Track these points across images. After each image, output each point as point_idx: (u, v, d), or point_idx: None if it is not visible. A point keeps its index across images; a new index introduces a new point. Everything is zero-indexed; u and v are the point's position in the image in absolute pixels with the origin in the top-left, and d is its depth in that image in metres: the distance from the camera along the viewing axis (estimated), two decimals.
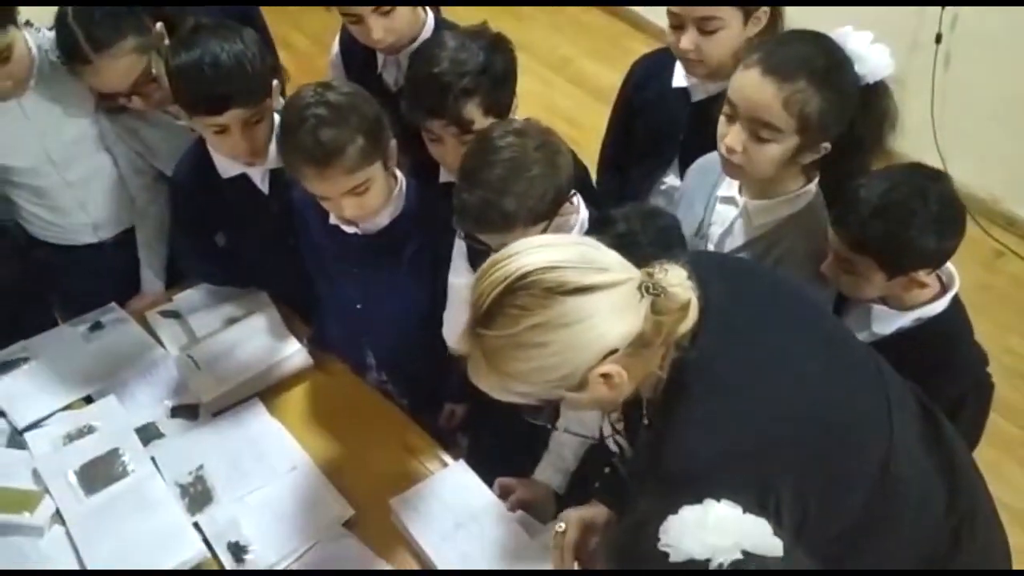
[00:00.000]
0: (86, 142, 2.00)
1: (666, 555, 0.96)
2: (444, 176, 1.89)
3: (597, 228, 1.56)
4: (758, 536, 0.97)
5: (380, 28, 1.88)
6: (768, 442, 1.17)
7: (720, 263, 1.21)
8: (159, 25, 1.85)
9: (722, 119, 1.58)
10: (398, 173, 1.75)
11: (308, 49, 4.19)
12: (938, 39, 3.28)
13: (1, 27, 1.72)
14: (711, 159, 1.70)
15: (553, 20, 4.52)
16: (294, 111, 1.59)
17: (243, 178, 1.89)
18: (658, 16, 4.17)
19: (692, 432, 1.18)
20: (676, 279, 1.16)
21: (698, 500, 1.02)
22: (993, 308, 2.94)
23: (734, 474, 1.12)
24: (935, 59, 3.31)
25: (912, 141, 3.61)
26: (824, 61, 1.52)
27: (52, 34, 1.86)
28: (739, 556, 0.94)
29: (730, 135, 1.54)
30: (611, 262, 1.15)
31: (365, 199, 1.64)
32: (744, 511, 1.00)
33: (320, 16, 4.43)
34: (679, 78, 1.93)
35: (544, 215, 1.52)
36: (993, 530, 1.47)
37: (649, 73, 2.04)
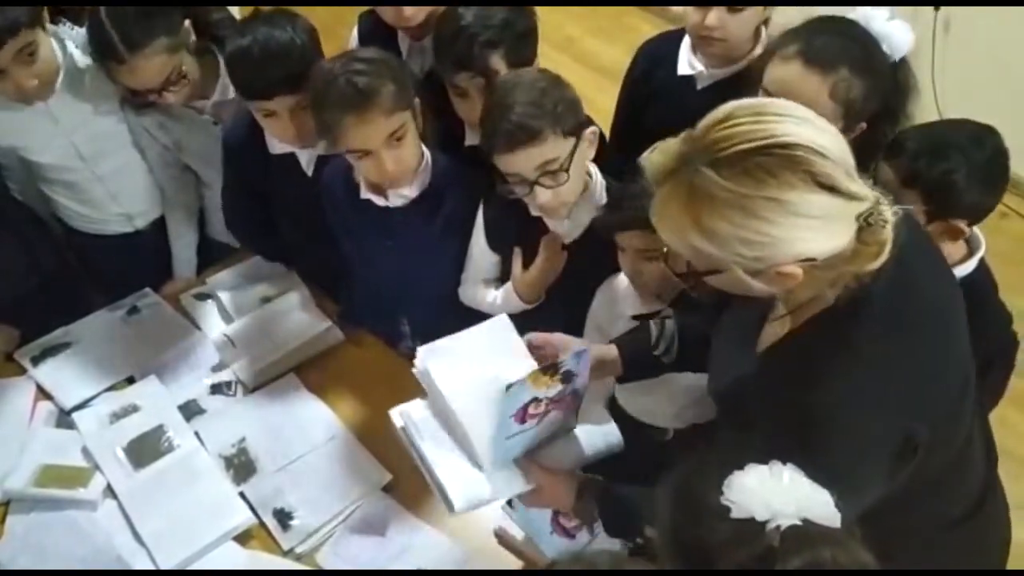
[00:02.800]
0: (114, 138, 2.06)
1: (727, 508, 0.95)
2: (470, 139, 1.97)
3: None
4: (820, 505, 0.95)
5: (411, 8, 1.96)
6: (917, 394, 1.17)
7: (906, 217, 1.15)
8: (187, 22, 1.91)
9: None
10: (423, 147, 1.82)
11: None
12: (936, 6, 3.32)
13: (29, 27, 1.78)
14: None
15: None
16: (325, 74, 1.68)
17: (291, 156, 1.94)
18: None
19: (854, 365, 1.15)
20: (889, 217, 1.10)
21: (847, 427, 1.04)
22: (998, 269, 2.99)
23: (880, 417, 1.13)
24: (934, 25, 3.36)
25: (915, 106, 3.67)
26: (861, 48, 1.59)
27: (80, 32, 1.91)
28: (797, 522, 0.92)
29: None
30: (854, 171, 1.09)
31: (403, 151, 1.71)
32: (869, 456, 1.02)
33: (329, 9, 4.49)
34: (684, 66, 1.98)
35: (570, 127, 1.61)
36: (1002, 489, 1.53)
37: (653, 61, 2.08)
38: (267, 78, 1.76)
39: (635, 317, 1.73)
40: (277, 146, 1.92)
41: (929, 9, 3.35)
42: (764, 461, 1.04)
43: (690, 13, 1.89)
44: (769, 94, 1.59)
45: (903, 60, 1.66)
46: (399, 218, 1.82)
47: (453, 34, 1.80)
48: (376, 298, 2.00)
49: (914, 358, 1.18)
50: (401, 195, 1.80)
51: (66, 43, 1.95)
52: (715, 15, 1.83)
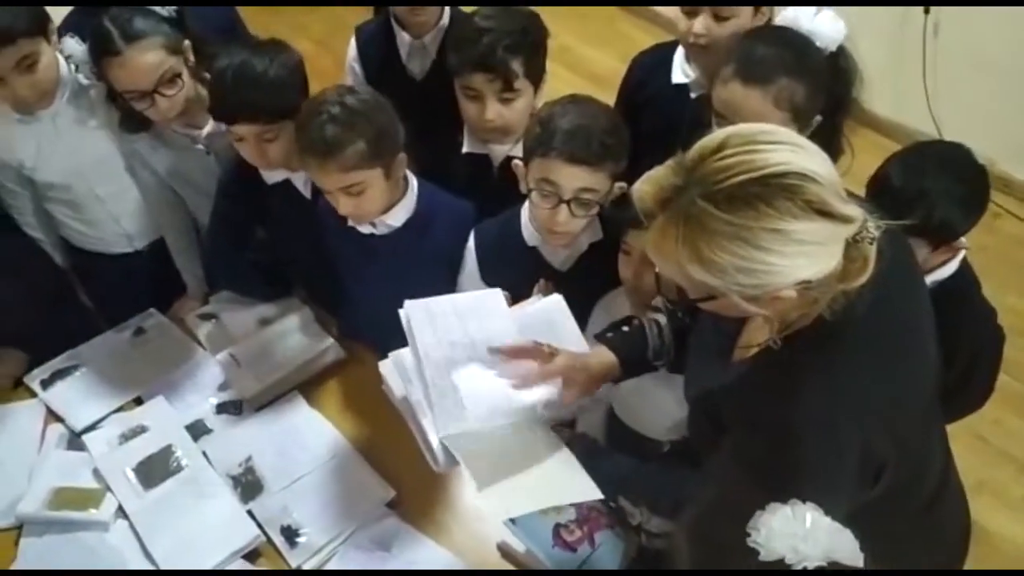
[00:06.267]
0: (113, 160, 2.10)
1: (754, 551, 0.97)
2: (469, 146, 2.02)
3: None
4: (845, 546, 0.98)
5: None
6: (894, 410, 1.20)
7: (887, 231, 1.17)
8: (187, 42, 1.96)
9: (715, 126, 1.65)
10: (410, 176, 1.85)
11: (312, 52, 4.25)
12: (926, 9, 3.36)
13: (29, 35, 1.81)
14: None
15: (549, 8, 4.58)
16: (312, 106, 1.73)
17: (286, 183, 1.98)
18: None
19: (833, 380, 1.17)
20: (874, 233, 1.12)
21: (821, 444, 1.05)
22: (992, 268, 3.02)
23: (858, 430, 1.15)
24: (924, 28, 3.40)
25: (907, 109, 3.74)
26: (793, 52, 1.64)
27: (82, 49, 1.95)
28: (824, 564, 0.95)
29: None
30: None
31: (360, 201, 1.75)
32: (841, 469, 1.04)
33: (324, 20, 4.52)
34: (678, 74, 2.03)
35: (617, 172, 1.68)
36: (957, 479, 1.57)
37: (648, 71, 2.14)
38: (233, 102, 1.81)
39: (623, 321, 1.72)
40: (272, 176, 1.96)
41: (919, 11, 3.39)
42: (736, 468, 1.09)
43: (680, 21, 1.94)
44: (721, 115, 1.64)
45: (840, 48, 1.71)
46: (384, 245, 1.86)
47: (475, 36, 1.86)
48: (368, 318, 2.04)
49: (889, 375, 1.22)
50: (385, 224, 1.83)
51: (70, 59, 1.98)
52: (701, 23, 1.88)
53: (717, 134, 1.12)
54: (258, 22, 3.63)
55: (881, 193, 1.65)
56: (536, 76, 1.94)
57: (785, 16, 1.72)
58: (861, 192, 1.77)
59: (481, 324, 1.52)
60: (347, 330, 2.13)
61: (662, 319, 1.59)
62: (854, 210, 1.09)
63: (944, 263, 1.72)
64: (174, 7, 1.94)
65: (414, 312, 1.51)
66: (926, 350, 1.30)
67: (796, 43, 1.66)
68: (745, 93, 1.62)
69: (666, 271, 1.16)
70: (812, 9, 1.70)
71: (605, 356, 1.55)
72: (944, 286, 1.71)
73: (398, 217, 1.83)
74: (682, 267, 1.10)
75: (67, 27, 1.98)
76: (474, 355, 1.48)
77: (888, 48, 3.58)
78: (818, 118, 1.68)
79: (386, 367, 1.55)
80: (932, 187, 1.61)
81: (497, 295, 1.60)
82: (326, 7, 4.60)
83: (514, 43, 1.86)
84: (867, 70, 3.57)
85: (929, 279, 1.69)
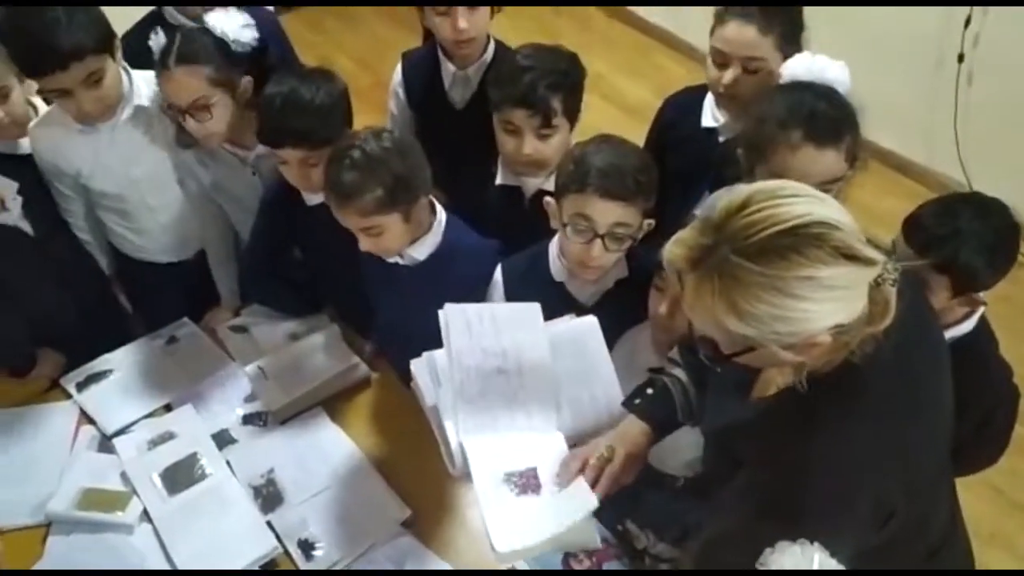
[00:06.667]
0: (166, 172, 2.18)
1: None
2: (502, 178, 2.08)
3: None
4: None
5: (465, 20, 2.11)
6: (907, 459, 1.24)
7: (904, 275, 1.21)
8: (247, 79, 2.04)
9: (759, 177, 1.67)
10: (439, 210, 1.91)
11: (351, 69, 4.35)
12: (960, 58, 3.38)
13: (97, 52, 1.90)
14: (722, 196, 1.85)
15: (585, 36, 4.66)
16: (341, 146, 1.79)
17: (324, 206, 2.03)
18: (686, 33, 4.34)
19: (852, 425, 1.21)
20: (894, 276, 1.16)
21: (834, 489, 1.10)
22: (1013, 319, 3.03)
23: (872, 479, 1.19)
24: (958, 77, 3.42)
25: (937, 155, 3.77)
26: (840, 106, 1.68)
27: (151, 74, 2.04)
28: None
29: None
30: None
31: (378, 240, 1.81)
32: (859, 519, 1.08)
33: (364, 39, 4.62)
34: (707, 118, 2.09)
35: (649, 210, 1.74)
36: (963, 526, 1.59)
37: (679, 113, 2.20)
38: (279, 128, 1.88)
39: (651, 370, 1.79)
40: (311, 198, 2.03)
41: (954, 60, 3.41)
42: (748, 502, 1.13)
43: (710, 70, 2.00)
44: (781, 179, 1.67)
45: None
46: (408, 275, 1.91)
47: (518, 73, 1.93)
48: (389, 341, 2.10)
49: (905, 424, 1.25)
50: (410, 255, 1.88)
51: (133, 77, 2.07)
52: (731, 74, 1.95)
53: (739, 193, 1.17)
54: (302, 39, 3.73)
55: (914, 229, 1.68)
56: (573, 114, 2.01)
57: (803, 68, 1.75)
58: (885, 233, 1.81)
59: (515, 336, 1.59)
60: (378, 347, 2.19)
61: (682, 375, 1.62)
62: (875, 252, 1.14)
63: (964, 318, 1.74)
64: (261, 39, 2.03)
65: (453, 316, 1.58)
66: (942, 400, 1.34)
67: (839, 97, 1.71)
68: (818, 155, 1.64)
69: (703, 327, 1.19)
70: (820, 57, 1.74)
71: (641, 429, 1.58)
72: (962, 343, 1.72)
73: (423, 251, 1.89)
74: (720, 321, 1.14)
75: (130, 48, 2.05)
76: (503, 365, 1.56)
77: (921, 95, 3.61)
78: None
79: (418, 365, 1.62)
80: (964, 228, 1.64)
81: (535, 309, 1.66)
82: (368, 27, 4.70)
83: (555, 82, 1.93)
84: (900, 115, 3.63)
85: (947, 334, 1.70)
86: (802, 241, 1.09)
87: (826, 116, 1.66)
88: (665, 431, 1.60)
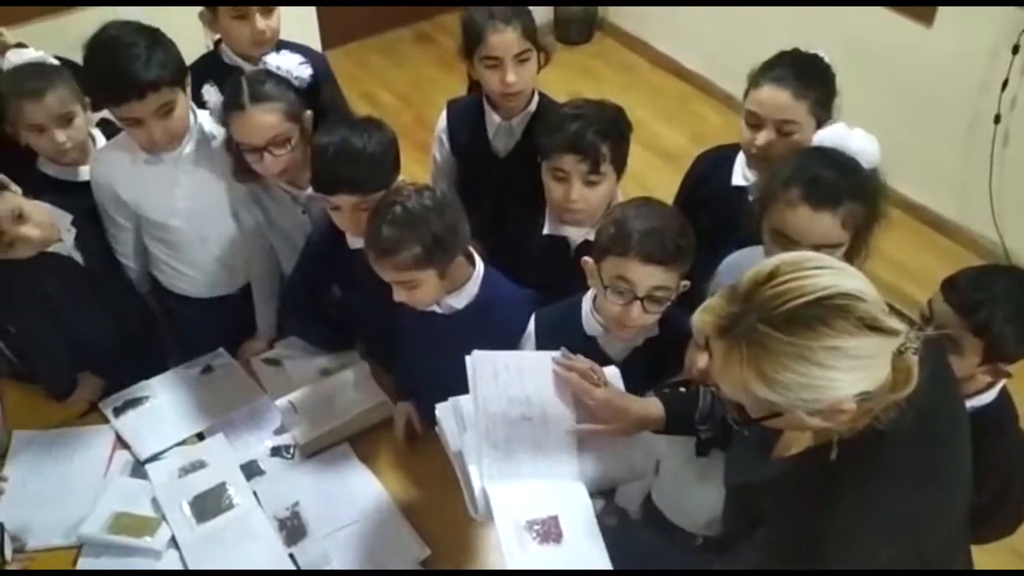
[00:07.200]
0: (222, 206, 2.26)
1: None
2: (550, 227, 2.13)
3: None
4: None
5: (514, 73, 2.19)
6: (924, 528, 1.28)
7: (927, 343, 1.23)
8: (308, 113, 2.12)
9: (778, 247, 1.72)
10: (477, 261, 1.95)
11: (394, 105, 4.46)
12: (997, 119, 3.40)
13: (171, 85, 2.01)
14: (743, 255, 1.89)
15: (626, 81, 4.72)
16: (384, 200, 1.85)
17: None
18: (724, 81, 4.38)
19: (872, 495, 1.24)
20: (916, 344, 1.20)
21: (850, 555, 1.14)
22: None
23: (887, 547, 1.23)
24: (994, 138, 3.43)
25: (971, 213, 3.76)
26: (851, 174, 1.71)
27: (219, 100, 2.11)
28: None
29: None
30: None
31: (414, 293, 1.86)
32: None
33: (407, 75, 4.72)
34: (738, 176, 2.12)
35: (686, 272, 1.78)
36: None
37: (710, 170, 2.24)
38: (333, 176, 1.94)
39: (682, 382, 1.79)
40: (355, 241, 2.08)
41: (990, 120, 3.43)
42: (766, 558, 1.17)
43: (743, 131, 2.04)
44: (787, 237, 1.71)
45: (874, 168, 1.78)
46: (444, 323, 1.94)
47: (567, 121, 2.00)
48: (418, 386, 2.13)
49: (924, 494, 1.27)
50: (448, 304, 1.93)
51: (196, 111, 2.17)
52: (764, 136, 1.99)
53: (766, 263, 1.21)
54: (347, 74, 3.83)
55: (952, 291, 1.70)
56: (620, 165, 2.06)
57: (830, 136, 1.79)
58: (916, 289, 1.82)
59: (540, 384, 1.64)
60: (402, 391, 2.23)
61: (716, 405, 1.64)
62: (897, 323, 1.17)
63: (986, 388, 1.75)
64: (313, 75, 2.11)
65: (481, 363, 1.63)
66: (961, 468, 1.36)
67: (851, 165, 1.73)
68: (814, 217, 1.68)
69: (731, 392, 1.22)
70: (845, 128, 1.78)
71: (649, 405, 1.64)
72: (982, 412, 1.73)
73: (460, 300, 1.93)
74: (747, 388, 1.17)
75: (196, 73, 2.14)
76: (528, 412, 1.60)
77: (957, 153, 3.62)
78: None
79: (444, 410, 1.66)
80: (1000, 296, 1.66)
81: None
82: (412, 64, 4.80)
83: (603, 129, 1.99)
84: (935, 171, 3.64)
85: (969, 403, 1.70)
86: (828, 312, 1.13)
87: (828, 181, 1.70)
88: (676, 426, 1.64)
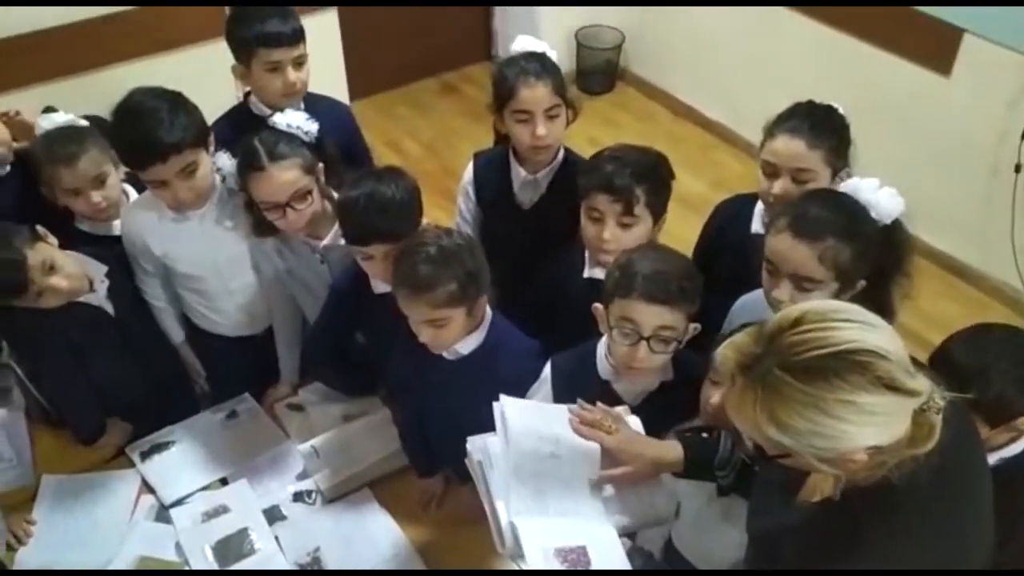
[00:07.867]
0: (244, 258, 2.32)
1: None
2: (589, 271, 2.16)
3: None
4: None
5: (544, 127, 2.23)
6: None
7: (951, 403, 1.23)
8: (320, 165, 2.18)
9: (765, 274, 1.80)
10: (487, 309, 1.98)
11: (419, 154, 4.53)
12: (1017, 168, 3.40)
13: (192, 147, 2.08)
14: (753, 297, 1.92)
15: (646, 129, 4.76)
16: (412, 242, 1.89)
17: (391, 294, 2.10)
18: (745, 130, 4.42)
19: (892, 545, 1.24)
20: (940, 404, 1.20)
21: None
22: None
23: None
24: (1015, 186, 3.44)
25: (993, 261, 3.75)
26: (846, 217, 1.75)
27: (234, 163, 2.19)
28: None
29: (779, 290, 1.77)
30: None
31: (441, 332, 1.88)
32: None
33: (433, 125, 4.80)
34: (757, 224, 2.15)
35: (694, 314, 1.79)
36: None
37: (730, 218, 2.28)
38: (367, 227, 1.98)
39: (703, 428, 1.80)
40: (380, 286, 2.13)
41: (1010, 169, 3.43)
42: None
43: (761, 180, 2.08)
44: (771, 262, 1.77)
45: (897, 222, 1.81)
46: (452, 368, 1.97)
47: (604, 161, 2.04)
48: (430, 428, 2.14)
49: (944, 546, 1.28)
50: (455, 350, 1.95)
51: (220, 171, 2.23)
52: (780, 185, 2.03)
53: (794, 309, 1.22)
54: (373, 124, 3.91)
55: (943, 366, 1.69)
56: (657, 210, 2.08)
57: (848, 184, 1.84)
58: (939, 336, 1.83)
59: (565, 427, 1.66)
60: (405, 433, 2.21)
61: (736, 451, 1.64)
62: (921, 383, 1.17)
63: (1009, 442, 1.74)
64: (316, 131, 2.17)
65: (508, 406, 1.66)
66: (981, 525, 1.35)
67: (849, 208, 1.77)
68: (793, 245, 1.74)
69: (745, 429, 1.24)
70: (875, 182, 1.81)
71: (665, 448, 1.65)
72: (1005, 467, 1.72)
73: (467, 346, 1.95)
74: (760, 428, 1.19)
75: (217, 136, 2.22)
76: (557, 451, 1.62)
77: (978, 201, 3.62)
78: (862, 283, 1.78)
79: (474, 444, 1.68)
80: (992, 365, 1.67)
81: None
82: (438, 115, 4.88)
83: (640, 172, 2.02)
84: (956, 220, 3.64)
85: (993, 456, 1.71)
86: (846, 366, 1.13)
87: (815, 215, 1.75)
88: (694, 470, 1.64)
